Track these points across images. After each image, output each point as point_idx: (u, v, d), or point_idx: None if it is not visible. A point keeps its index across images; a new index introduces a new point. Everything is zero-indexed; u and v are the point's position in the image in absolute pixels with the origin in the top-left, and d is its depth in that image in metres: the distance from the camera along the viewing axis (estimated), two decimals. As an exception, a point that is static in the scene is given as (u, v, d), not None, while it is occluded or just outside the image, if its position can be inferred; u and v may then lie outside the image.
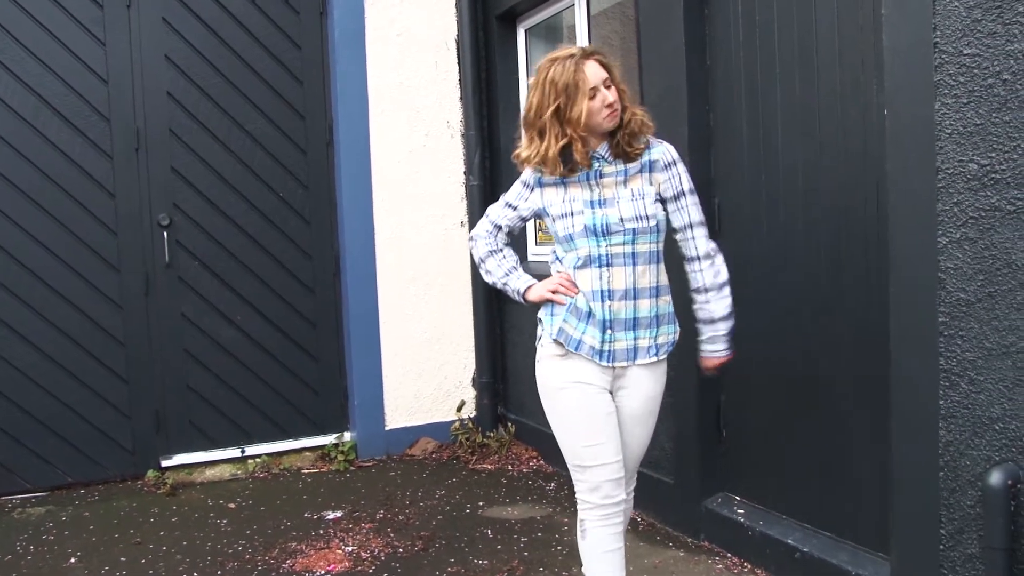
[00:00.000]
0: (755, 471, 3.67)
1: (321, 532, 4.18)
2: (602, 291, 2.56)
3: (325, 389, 5.50)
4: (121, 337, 5.03)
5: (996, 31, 2.41)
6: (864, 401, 3.09)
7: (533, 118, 2.56)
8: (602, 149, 2.59)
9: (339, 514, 4.43)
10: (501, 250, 2.81)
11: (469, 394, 5.67)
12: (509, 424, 5.48)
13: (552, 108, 2.50)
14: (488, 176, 5.57)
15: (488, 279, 2.84)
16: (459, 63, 5.60)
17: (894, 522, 2.86)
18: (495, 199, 2.94)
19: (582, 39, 4.89)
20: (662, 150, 2.63)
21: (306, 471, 5.23)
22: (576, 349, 2.57)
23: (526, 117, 2.60)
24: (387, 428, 5.44)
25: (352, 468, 5.24)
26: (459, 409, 5.58)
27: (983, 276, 2.49)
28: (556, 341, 2.60)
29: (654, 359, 2.64)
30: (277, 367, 5.37)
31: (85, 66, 4.93)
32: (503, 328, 5.62)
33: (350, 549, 3.95)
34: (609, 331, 2.56)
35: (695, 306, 2.74)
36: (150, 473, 5.03)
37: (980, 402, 2.52)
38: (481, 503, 4.52)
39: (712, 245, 2.70)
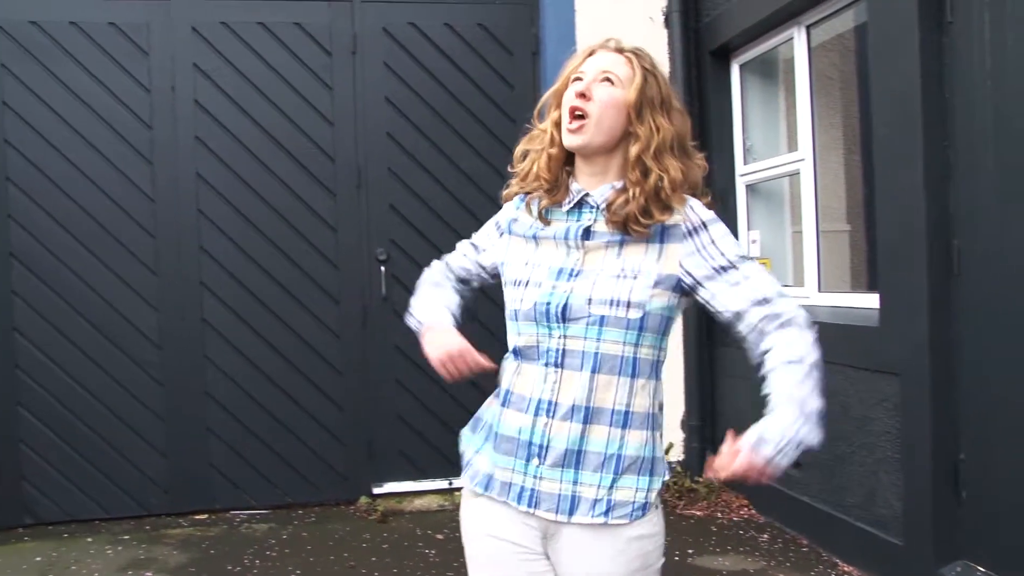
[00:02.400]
0: (1004, 538, 3.32)
1: (527, 569, 4.16)
2: (542, 401, 1.72)
3: (529, 425, 5.49)
4: (339, 366, 5.24)
5: None
6: None
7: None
8: (599, 193, 1.74)
9: (545, 552, 4.39)
10: (442, 284, 2.04)
11: (678, 436, 5.51)
12: (718, 469, 5.27)
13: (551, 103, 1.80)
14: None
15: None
16: (671, 100, 5.51)
17: None
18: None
19: (801, 73, 4.70)
20: (684, 210, 1.71)
21: (509, 506, 5.23)
22: (486, 489, 1.78)
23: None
24: (591, 467, 5.35)
25: (555, 506, 5.20)
26: (667, 452, 5.40)
27: None
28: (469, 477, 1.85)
29: (602, 520, 1.68)
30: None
31: (313, 108, 5.23)
32: (714, 370, 5.43)
33: (558, 589, 3.90)
34: (537, 461, 1.71)
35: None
36: (362, 499, 5.18)
37: None
38: (690, 551, 4.35)
39: (794, 312, 1.66)
